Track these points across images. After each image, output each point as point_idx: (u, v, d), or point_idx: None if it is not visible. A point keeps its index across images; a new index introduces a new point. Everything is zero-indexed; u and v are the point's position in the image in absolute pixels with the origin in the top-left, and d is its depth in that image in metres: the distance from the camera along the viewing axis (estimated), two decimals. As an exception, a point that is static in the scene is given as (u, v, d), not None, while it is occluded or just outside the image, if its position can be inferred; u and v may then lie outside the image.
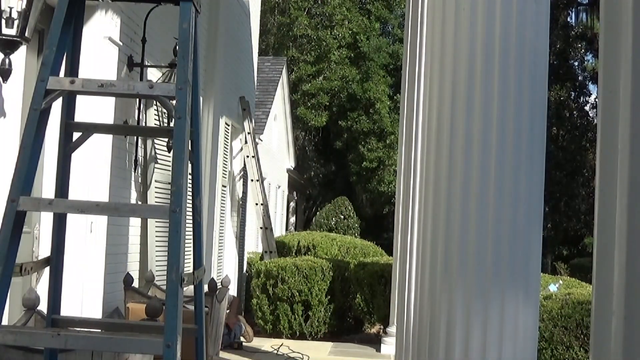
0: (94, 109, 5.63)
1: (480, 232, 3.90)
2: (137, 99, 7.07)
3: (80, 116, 3.69)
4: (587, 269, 18.33)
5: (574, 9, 29.09)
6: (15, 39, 4.98)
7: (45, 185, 5.77)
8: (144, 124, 7.34)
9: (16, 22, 4.95)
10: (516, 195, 3.88)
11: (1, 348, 3.83)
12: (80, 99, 3.60)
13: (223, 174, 11.17)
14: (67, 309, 4.71)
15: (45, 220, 5.74)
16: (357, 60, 29.20)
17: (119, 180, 6.76)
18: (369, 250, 13.75)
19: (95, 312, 6.21)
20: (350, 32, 29.08)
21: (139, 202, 7.37)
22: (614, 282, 1.79)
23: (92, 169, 6.12)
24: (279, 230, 21.00)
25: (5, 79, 5.10)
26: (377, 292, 10.35)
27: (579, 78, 29.05)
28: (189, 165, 3.18)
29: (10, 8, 4.93)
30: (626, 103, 1.84)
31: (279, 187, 22.99)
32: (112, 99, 6.32)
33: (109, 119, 6.31)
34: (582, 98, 29.15)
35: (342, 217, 22.95)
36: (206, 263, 9.80)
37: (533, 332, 3.98)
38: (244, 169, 12.83)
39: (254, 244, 15.49)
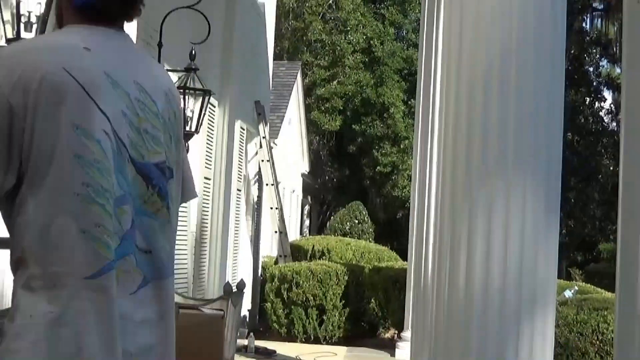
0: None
1: (498, 238, 3.88)
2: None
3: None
4: (602, 275, 18.20)
5: (589, 15, 29.01)
6: (34, 42, 5.01)
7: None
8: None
9: (35, 27, 4.98)
10: (536, 198, 3.88)
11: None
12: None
13: (238, 177, 11.19)
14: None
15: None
16: (372, 65, 29.17)
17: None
18: (383, 255, 13.73)
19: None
20: (364, 37, 29.05)
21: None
22: (637, 287, 1.79)
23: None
24: (293, 235, 20.99)
25: (23, 83, 5.13)
26: (391, 297, 10.34)
27: (594, 83, 28.93)
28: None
29: (29, 12, 4.96)
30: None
31: (294, 191, 23.00)
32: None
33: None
34: (597, 104, 29.03)
35: (356, 221, 22.89)
36: (221, 267, 9.83)
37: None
38: (259, 173, 12.85)
39: (268, 248, 15.50)
